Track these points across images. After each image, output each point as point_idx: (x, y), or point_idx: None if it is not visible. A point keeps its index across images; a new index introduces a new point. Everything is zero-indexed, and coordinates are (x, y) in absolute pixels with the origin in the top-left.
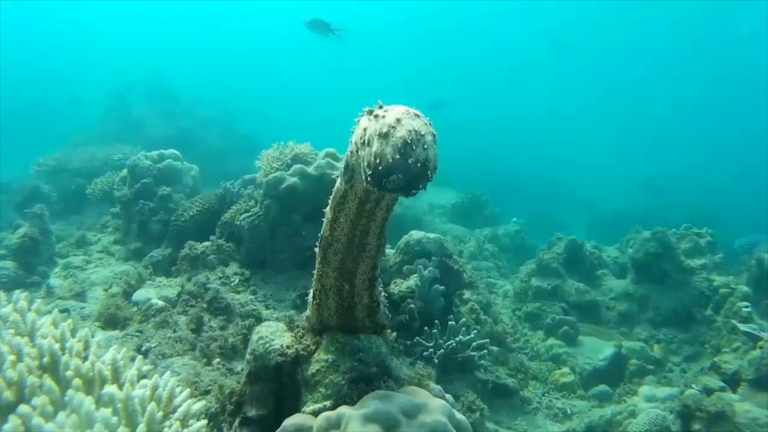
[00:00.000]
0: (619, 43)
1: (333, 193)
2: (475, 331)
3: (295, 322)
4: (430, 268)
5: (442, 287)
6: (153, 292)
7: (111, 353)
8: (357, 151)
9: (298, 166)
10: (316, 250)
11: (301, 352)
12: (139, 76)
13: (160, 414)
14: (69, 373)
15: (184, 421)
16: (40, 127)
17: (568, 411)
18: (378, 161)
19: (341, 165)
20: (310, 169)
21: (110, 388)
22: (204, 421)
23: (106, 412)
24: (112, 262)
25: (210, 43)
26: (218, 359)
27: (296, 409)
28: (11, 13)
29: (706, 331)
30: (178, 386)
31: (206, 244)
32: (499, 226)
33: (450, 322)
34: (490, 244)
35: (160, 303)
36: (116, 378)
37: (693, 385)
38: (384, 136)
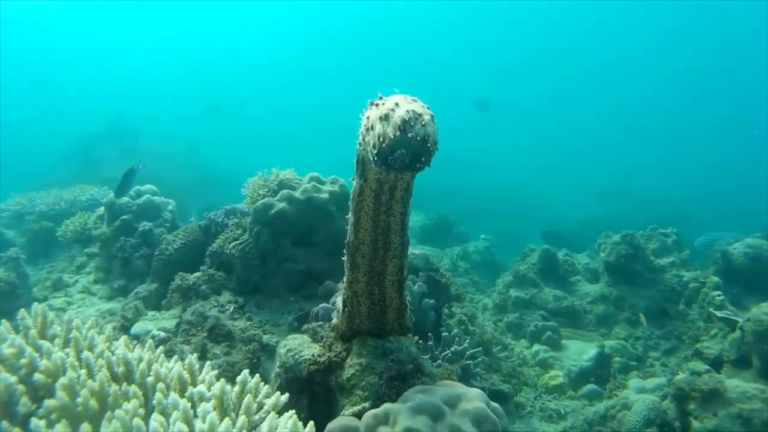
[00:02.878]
0: (571, 60)
1: (352, 194)
2: (467, 341)
3: (319, 334)
4: (420, 283)
5: (432, 301)
6: (151, 325)
7: (188, 359)
8: (363, 140)
9: (285, 191)
10: (344, 258)
11: (334, 359)
12: (97, 117)
13: (255, 406)
14: (150, 379)
15: (276, 411)
16: None
17: (562, 411)
18: (381, 140)
19: (354, 161)
20: (297, 194)
21: (200, 387)
22: (293, 411)
23: (207, 405)
24: (96, 302)
25: (169, 76)
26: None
27: (331, 416)
28: None
29: (681, 325)
30: (261, 381)
31: (197, 274)
32: (470, 244)
33: (443, 334)
34: (462, 261)
35: (162, 334)
36: (194, 382)
37: (680, 372)
38: (385, 118)
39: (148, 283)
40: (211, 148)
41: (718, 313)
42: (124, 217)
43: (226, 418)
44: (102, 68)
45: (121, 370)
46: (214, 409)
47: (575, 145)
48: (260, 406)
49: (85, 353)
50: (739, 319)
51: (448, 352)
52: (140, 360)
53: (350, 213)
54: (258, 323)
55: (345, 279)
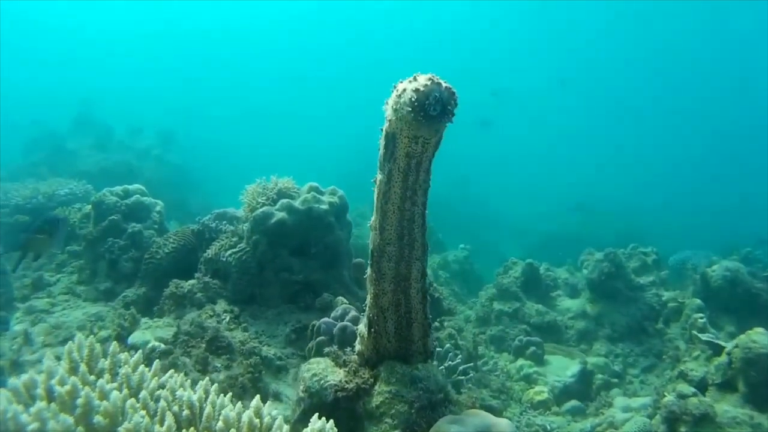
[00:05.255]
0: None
1: (376, 191)
2: (459, 356)
3: (341, 358)
4: None
5: None
6: (148, 334)
7: (254, 401)
8: (395, 109)
9: (285, 200)
10: (365, 277)
11: (362, 386)
12: (67, 105)
13: None
14: (219, 425)
15: None
16: None
17: (548, 427)
18: (418, 90)
19: (379, 154)
20: (297, 204)
21: None
22: None
23: None
24: (81, 304)
25: (143, 68)
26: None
27: None
28: None
29: (659, 344)
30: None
31: (192, 282)
32: (448, 253)
33: (437, 349)
34: (442, 271)
35: (162, 346)
36: (263, 426)
37: (666, 393)
38: (413, 80)
39: (137, 286)
40: (185, 144)
41: (702, 336)
42: (112, 217)
43: None
44: (72, 54)
45: (185, 413)
46: None
47: (548, 157)
48: None
49: (143, 393)
50: (723, 343)
51: (442, 368)
52: (202, 400)
53: (373, 216)
54: (254, 334)
55: (369, 298)
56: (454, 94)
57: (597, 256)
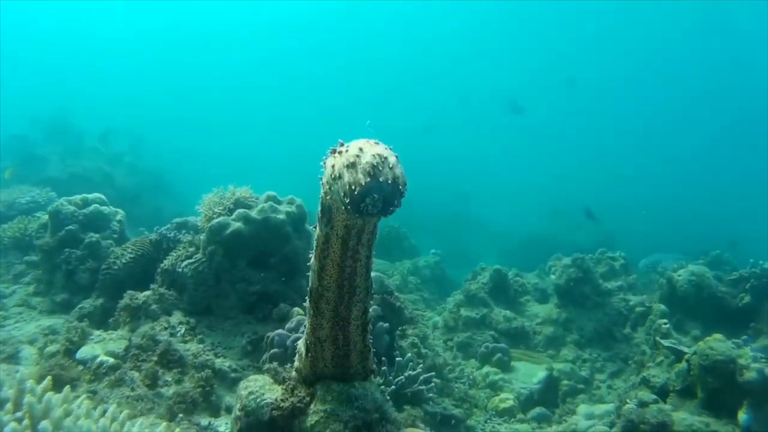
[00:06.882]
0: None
1: (315, 241)
2: (420, 365)
3: (280, 375)
4: (374, 306)
5: (386, 325)
6: (98, 348)
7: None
8: (330, 189)
9: (241, 210)
10: (305, 304)
11: (297, 405)
12: (39, 110)
13: None
14: None
15: None
16: None
17: None
18: (353, 188)
19: (318, 210)
20: (254, 214)
21: None
22: None
23: None
24: (36, 316)
25: (115, 71)
26: (181, 415)
27: None
28: None
29: (626, 348)
30: None
31: (147, 293)
32: (420, 258)
33: (397, 358)
34: (412, 277)
35: (111, 360)
36: None
37: (628, 400)
38: (352, 165)
39: (94, 298)
40: (157, 149)
41: (665, 342)
42: (69, 227)
43: None
44: (47, 60)
45: None
46: None
47: (528, 159)
48: None
49: (44, 424)
50: (685, 349)
51: (402, 377)
52: (106, 429)
53: (313, 259)
54: (210, 346)
55: (307, 324)
56: (399, 188)
57: (564, 261)
